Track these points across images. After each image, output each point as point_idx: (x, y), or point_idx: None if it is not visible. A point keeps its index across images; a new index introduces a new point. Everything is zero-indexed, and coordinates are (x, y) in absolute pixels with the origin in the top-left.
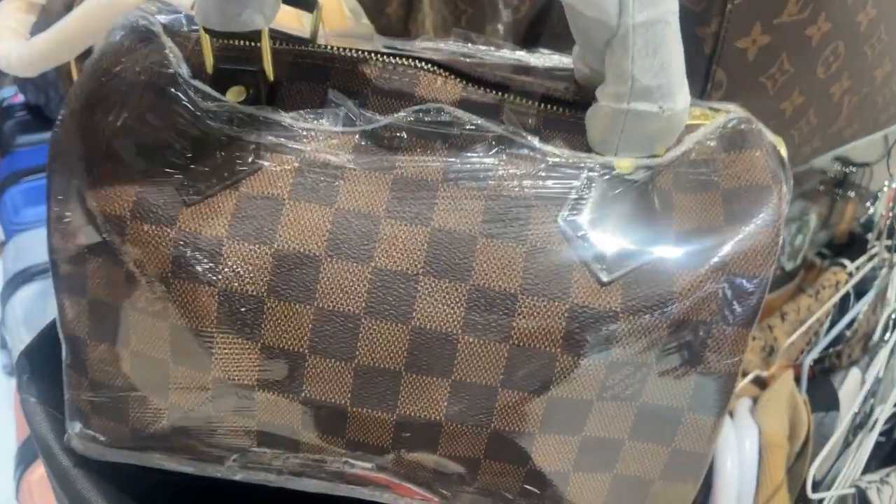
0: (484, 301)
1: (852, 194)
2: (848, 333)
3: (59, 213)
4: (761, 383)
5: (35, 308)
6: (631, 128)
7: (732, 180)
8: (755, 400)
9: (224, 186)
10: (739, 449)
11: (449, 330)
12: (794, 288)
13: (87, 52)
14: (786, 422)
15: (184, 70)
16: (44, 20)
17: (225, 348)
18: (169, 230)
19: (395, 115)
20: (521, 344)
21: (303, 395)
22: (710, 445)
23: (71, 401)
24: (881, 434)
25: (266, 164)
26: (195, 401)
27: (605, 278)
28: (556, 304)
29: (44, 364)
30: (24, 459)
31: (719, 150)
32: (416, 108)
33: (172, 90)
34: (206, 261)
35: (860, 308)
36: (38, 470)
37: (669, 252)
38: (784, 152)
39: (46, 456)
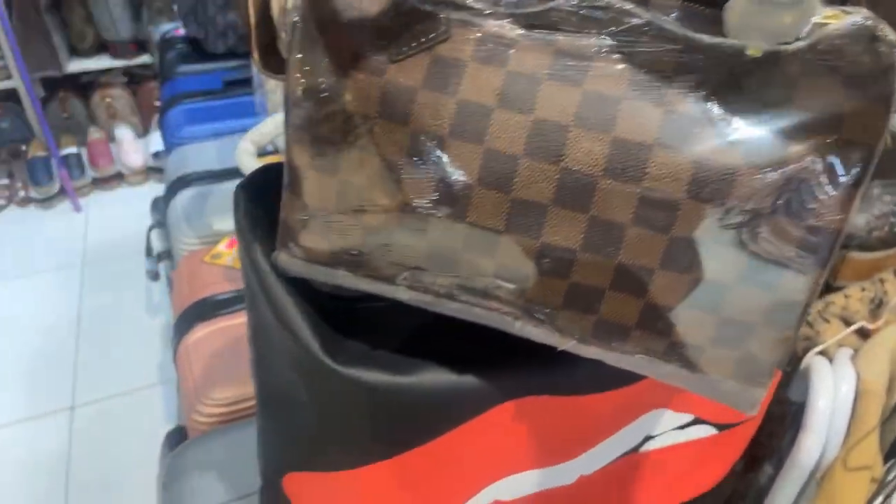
0: (623, 150)
1: None
2: None
3: (301, 62)
4: (865, 335)
5: (192, 207)
6: (763, 19)
7: (854, 67)
8: (857, 351)
9: (421, 49)
10: (836, 392)
11: (592, 172)
12: None
13: None
14: (886, 373)
15: None
16: None
17: (410, 178)
18: (378, 79)
19: (558, 2)
20: (652, 187)
21: (467, 219)
22: (811, 295)
23: (285, 220)
24: None
25: (454, 34)
26: (381, 221)
27: (730, 138)
28: (685, 155)
29: (254, 198)
30: (181, 330)
31: (846, 44)
32: None
33: None
34: (403, 105)
35: None
36: (195, 334)
37: (789, 122)
38: None
39: (255, 273)
